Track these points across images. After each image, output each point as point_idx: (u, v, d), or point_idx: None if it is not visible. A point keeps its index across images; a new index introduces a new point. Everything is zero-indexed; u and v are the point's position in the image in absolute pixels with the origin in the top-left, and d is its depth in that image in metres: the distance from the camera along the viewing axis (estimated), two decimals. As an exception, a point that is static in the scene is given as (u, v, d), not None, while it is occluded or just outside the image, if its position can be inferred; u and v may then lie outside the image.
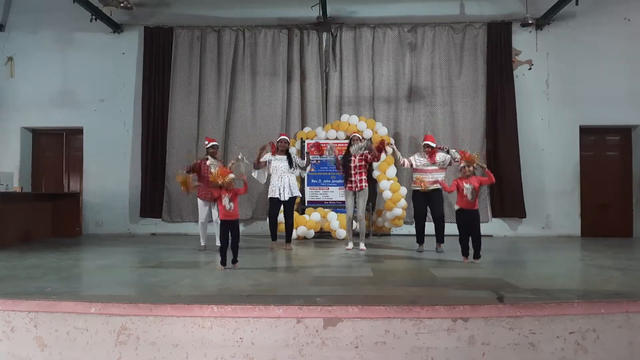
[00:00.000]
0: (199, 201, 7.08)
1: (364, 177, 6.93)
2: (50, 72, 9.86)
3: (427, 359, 3.32)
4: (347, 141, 8.61)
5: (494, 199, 9.35)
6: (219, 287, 4.40)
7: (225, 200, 5.32)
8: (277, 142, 7.16)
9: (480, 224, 5.93)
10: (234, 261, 5.42)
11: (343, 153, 7.43)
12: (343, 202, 8.85)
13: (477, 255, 5.73)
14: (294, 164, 7.09)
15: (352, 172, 6.90)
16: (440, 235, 6.92)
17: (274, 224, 7.11)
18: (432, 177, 6.75)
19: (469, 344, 3.32)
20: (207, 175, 6.86)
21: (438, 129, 9.39)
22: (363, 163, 6.92)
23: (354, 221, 7.38)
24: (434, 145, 6.87)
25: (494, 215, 9.39)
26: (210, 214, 7.10)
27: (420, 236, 7.00)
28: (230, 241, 5.38)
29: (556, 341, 3.36)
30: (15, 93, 9.90)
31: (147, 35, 9.82)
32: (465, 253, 5.83)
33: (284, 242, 7.20)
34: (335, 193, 8.95)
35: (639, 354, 3.41)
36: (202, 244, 7.15)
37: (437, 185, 6.62)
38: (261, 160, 7.04)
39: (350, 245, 7.17)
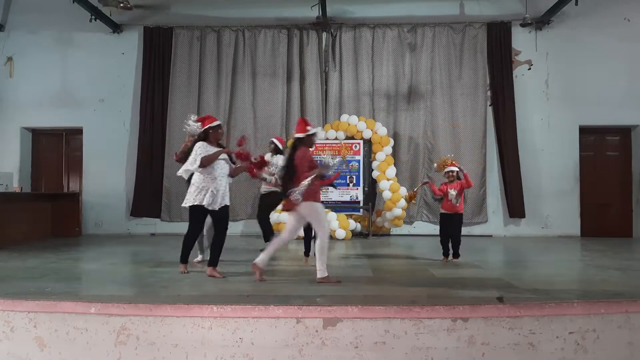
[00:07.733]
0: None
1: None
2: (50, 72, 9.84)
3: (427, 359, 3.32)
4: (345, 141, 8.73)
5: (494, 199, 9.34)
6: (219, 287, 4.39)
7: None
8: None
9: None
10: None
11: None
12: (343, 202, 8.98)
13: (456, 255, 6.03)
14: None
15: None
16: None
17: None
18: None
19: (468, 344, 3.32)
20: None
21: (438, 129, 9.39)
22: None
23: None
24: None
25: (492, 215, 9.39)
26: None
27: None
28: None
29: (556, 341, 3.36)
30: (15, 93, 9.88)
31: (147, 35, 9.80)
32: (445, 253, 6.08)
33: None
34: (335, 193, 8.93)
35: (639, 354, 3.41)
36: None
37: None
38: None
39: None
